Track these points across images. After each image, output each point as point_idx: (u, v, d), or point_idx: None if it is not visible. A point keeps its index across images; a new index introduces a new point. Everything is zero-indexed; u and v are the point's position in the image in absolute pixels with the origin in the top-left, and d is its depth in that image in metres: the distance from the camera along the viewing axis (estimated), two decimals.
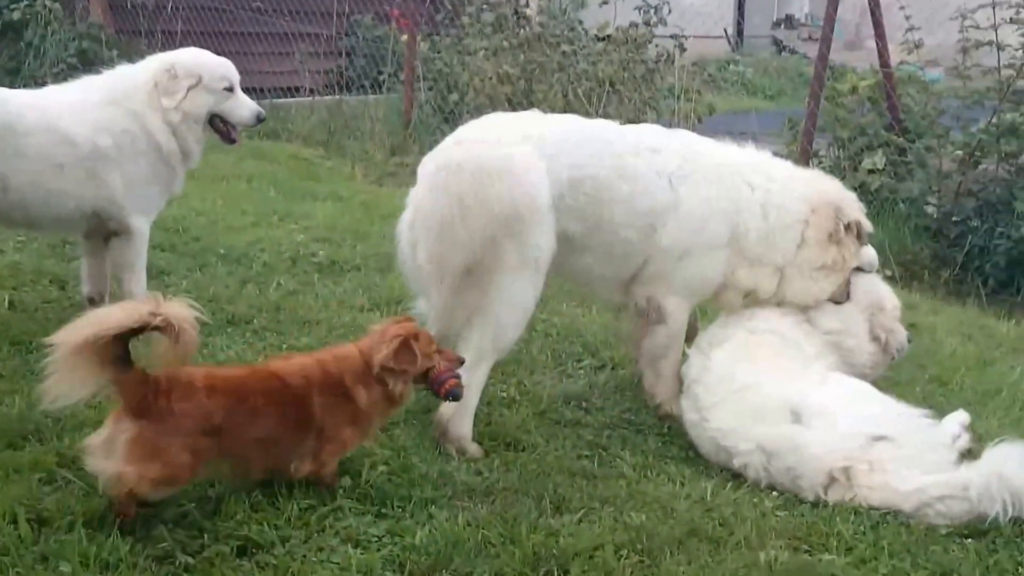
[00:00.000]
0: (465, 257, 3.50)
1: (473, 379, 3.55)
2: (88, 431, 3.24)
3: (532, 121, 3.86)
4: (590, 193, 3.73)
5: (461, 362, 3.26)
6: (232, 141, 4.48)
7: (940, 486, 3.28)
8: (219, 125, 4.39)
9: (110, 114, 4.16)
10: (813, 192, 3.98)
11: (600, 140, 3.83)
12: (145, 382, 2.79)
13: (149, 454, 2.76)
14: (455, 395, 3.20)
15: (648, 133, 4.00)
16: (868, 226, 4.01)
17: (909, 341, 4.15)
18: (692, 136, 4.09)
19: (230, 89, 4.35)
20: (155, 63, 4.30)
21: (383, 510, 3.06)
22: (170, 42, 9.52)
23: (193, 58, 4.35)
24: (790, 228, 3.91)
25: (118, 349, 2.72)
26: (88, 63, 8.73)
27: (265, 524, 2.90)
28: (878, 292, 4.10)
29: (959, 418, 3.80)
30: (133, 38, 10.30)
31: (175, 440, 2.79)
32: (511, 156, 3.55)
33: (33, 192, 4.05)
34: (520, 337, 3.86)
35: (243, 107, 4.38)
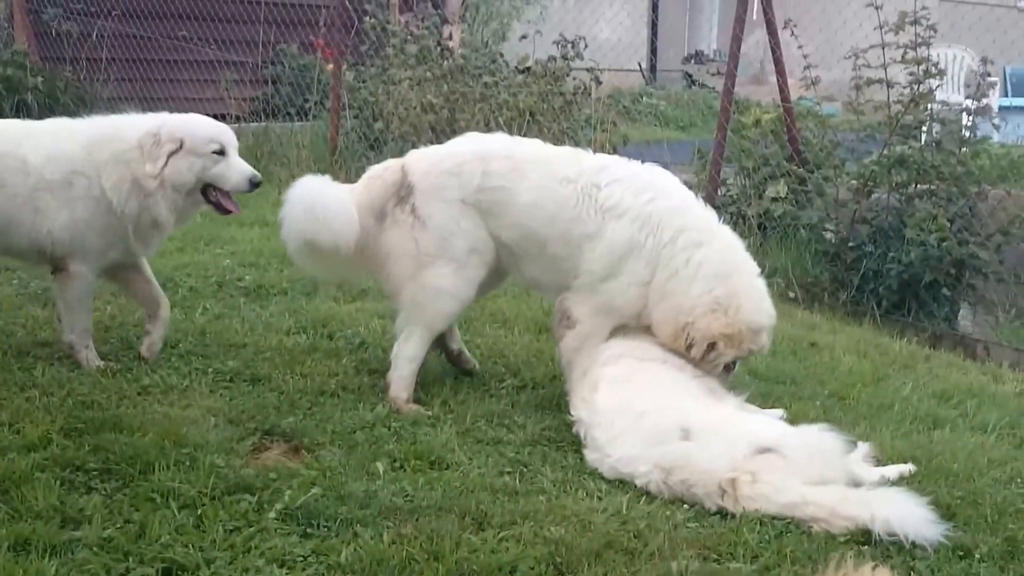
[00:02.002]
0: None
1: (402, 350, 4.17)
2: (13, 455, 3.29)
3: (491, 138, 4.38)
4: (503, 200, 4.10)
5: None
6: (226, 212, 4.14)
7: (817, 507, 3.37)
8: (211, 194, 4.07)
9: (77, 156, 3.99)
10: (706, 301, 3.97)
11: (535, 162, 4.16)
12: None
13: None
14: None
15: (609, 165, 4.18)
16: (728, 356, 4.01)
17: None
18: (657, 175, 4.20)
19: (220, 152, 4.02)
20: (148, 123, 4.05)
21: (308, 530, 3.09)
22: (95, 69, 9.42)
23: (179, 122, 4.05)
24: (674, 311, 4.01)
25: None
26: (12, 90, 8.59)
27: (190, 546, 2.91)
28: None
29: (900, 470, 3.80)
30: (58, 65, 10.10)
31: None
32: (320, 204, 4.04)
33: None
34: (454, 316, 4.31)
35: (234, 171, 4.01)
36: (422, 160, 4.24)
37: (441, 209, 4.09)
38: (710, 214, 4.21)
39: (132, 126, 4.06)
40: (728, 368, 4.15)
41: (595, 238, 4.06)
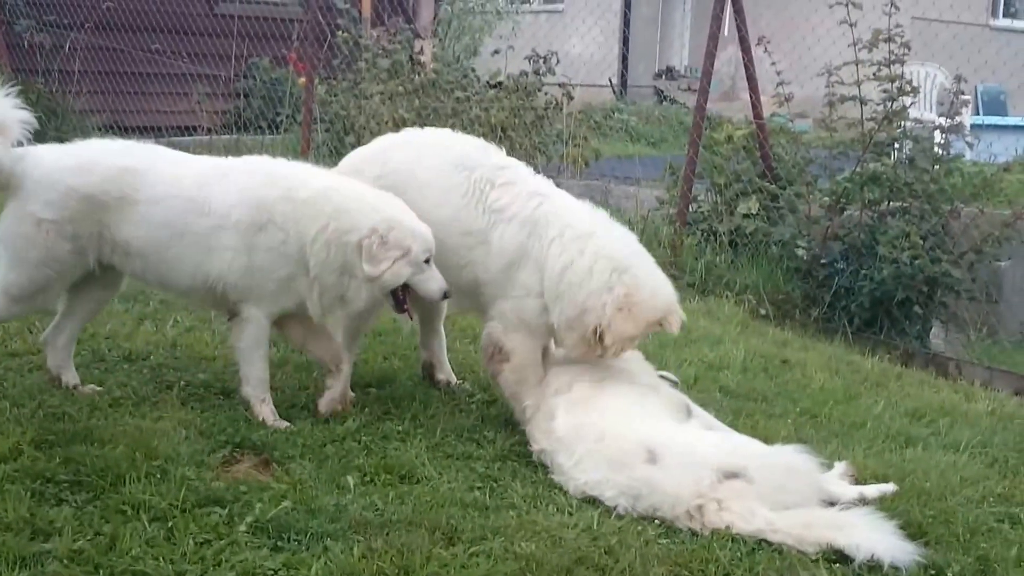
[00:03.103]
0: None
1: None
2: None
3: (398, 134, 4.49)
4: (402, 183, 4.08)
5: None
6: (405, 311, 4.05)
7: (784, 535, 3.35)
8: (398, 293, 3.99)
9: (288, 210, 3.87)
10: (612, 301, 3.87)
11: (435, 146, 4.23)
12: None
13: None
14: None
15: (510, 166, 4.17)
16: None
17: None
18: (552, 190, 4.15)
19: (428, 261, 3.97)
20: (369, 214, 3.88)
21: (279, 543, 3.07)
22: (67, 81, 9.35)
23: (407, 226, 3.90)
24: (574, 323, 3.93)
25: None
26: None
27: (161, 559, 2.89)
28: None
29: (882, 489, 3.74)
30: (30, 77, 10.03)
31: None
32: None
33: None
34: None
35: (434, 280, 3.96)
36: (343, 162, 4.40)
37: None
38: (600, 214, 4.11)
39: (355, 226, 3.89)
40: None
41: (483, 241, 4.02)
